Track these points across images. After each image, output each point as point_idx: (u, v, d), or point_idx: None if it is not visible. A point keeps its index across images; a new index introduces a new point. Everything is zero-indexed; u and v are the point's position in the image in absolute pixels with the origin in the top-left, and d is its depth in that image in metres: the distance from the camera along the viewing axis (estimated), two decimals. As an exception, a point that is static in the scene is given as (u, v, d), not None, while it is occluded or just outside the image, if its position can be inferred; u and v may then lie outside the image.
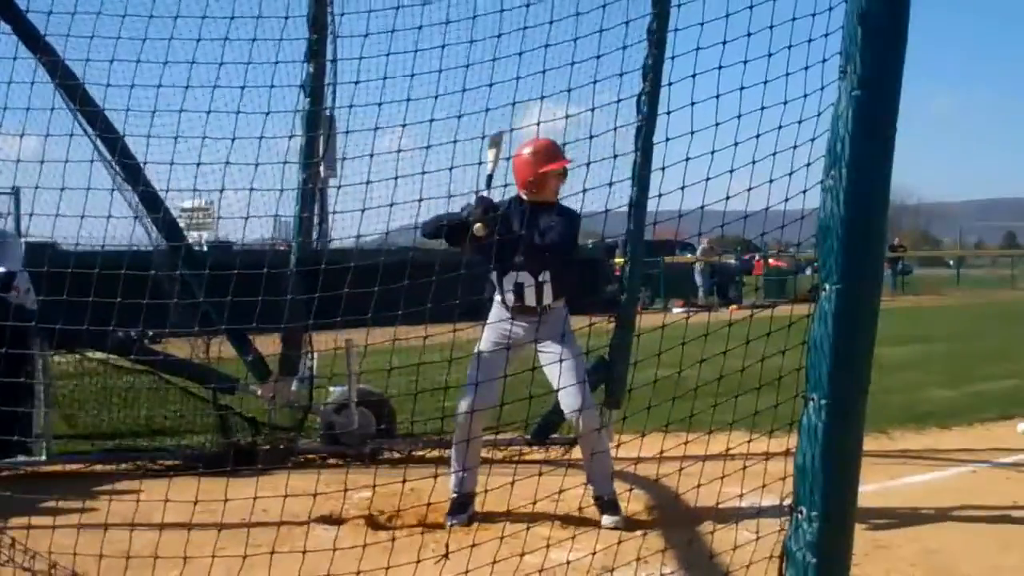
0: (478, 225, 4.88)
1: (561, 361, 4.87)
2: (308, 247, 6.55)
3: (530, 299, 5.08)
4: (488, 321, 5.15)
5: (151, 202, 5.97)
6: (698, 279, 23.52)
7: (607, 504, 5.04)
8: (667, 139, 3.74)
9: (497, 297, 5.18)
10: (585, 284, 6.35)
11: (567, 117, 4.99)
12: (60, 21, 5.01)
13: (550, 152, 5.11)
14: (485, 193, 5.07)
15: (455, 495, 5.11)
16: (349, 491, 4.36)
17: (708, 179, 3.46)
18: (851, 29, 2.70)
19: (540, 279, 5.06)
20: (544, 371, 5.02)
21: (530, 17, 4.46)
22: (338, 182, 6.02)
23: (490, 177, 5.06)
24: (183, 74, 4.69)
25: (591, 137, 4.64)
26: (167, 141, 4.68)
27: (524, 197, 5.17)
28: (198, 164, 4.59)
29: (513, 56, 4.37)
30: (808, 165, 3.14)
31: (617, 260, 5.71)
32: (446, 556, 3.88)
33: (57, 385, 6.50)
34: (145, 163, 5.42)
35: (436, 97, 4.36)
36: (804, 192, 3.19)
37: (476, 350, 5.03)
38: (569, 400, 5.01)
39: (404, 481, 4.26)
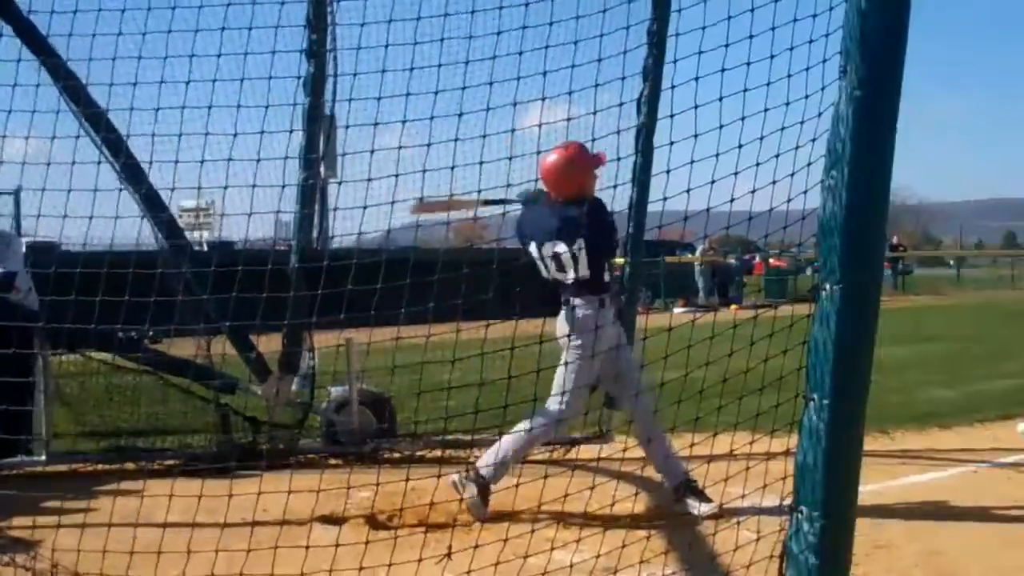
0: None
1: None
2: (308, 246, 6.55)
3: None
4: (581, 327, 5.05)
5: (152, 200, 5.98)
6: (699, 279, 23.52)
7: (690, 490, 5.08)
8: (671, 143, 3.74)
9: (586, 303, 5.11)
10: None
11: (568, 120, 5.01)
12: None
13: (587, 150, 5.12)
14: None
15: (488, 483, 5.08)
16: (350, 490, 4.37)
17: (713, 182, 3.47)
18: (851, 29, 2.70)
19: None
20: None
21: (529, 19, 4.49)
22: (339, 180, 6.02)
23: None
24: (183, 71, 4.71)
25: (592, 140, 4.68)
26: (167, 139, 4.71)
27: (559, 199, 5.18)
28: (182, 161, 4.62)
29: (513, 55, 4.38)
30: (809, 165, 3.15)
31: (618, 260, 5.73)
32: (448, 556, 3.88)
33: (63, 383, 6.51)
34: (150, 162, 5.43)
35: (436, 92, 4.38)
36: (805, 192, 3.20)
37: (570, 358, 5.02)
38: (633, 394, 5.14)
39: (407, 479, 4.27)
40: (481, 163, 4.42)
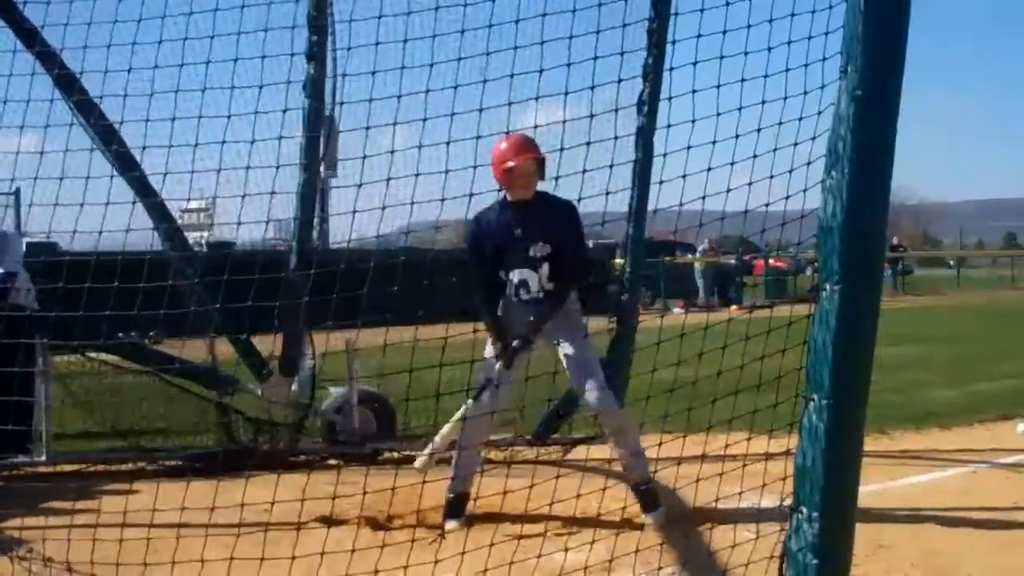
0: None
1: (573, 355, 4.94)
2: (308, 247, 6.55)
3: (535, 288, 5.03)
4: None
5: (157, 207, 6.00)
6: (698, 280, 23.54)
7: (646, 495, 4.99)
8: (668, 125, 3.75)
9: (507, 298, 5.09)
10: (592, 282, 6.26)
11: (564, 122, 5.00)
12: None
13: (515, 147, 4.95)
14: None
15: (451, 496, 5.06)
16: (347, 491, 4.37)
17: (709, 169, 3.47)
18: (852, 28, 2.70)
19: (540, 271, 5.04)
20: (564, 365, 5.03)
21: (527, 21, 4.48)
22: (338, 182, 6.03)
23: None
24: (183, 71, 4.72)
25: (588, 144, 4.68)
26: (167, 139, 4.72)
27: (508, 197, 5.08)
28: (193, 152, 4.62)
29: (509, 52, 4.39)
30: (808, 164, 3.15)
31: (617, 261, 5.71)
32: (441, 536, 3.87)
33: (69, 383, 6.51)
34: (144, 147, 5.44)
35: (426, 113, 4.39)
36: (804, 191, 3.20)
37: (486, 353, 4.98)
38: (584, 387, 4.99)
39: (397, 470, 4.26)
40: (475, 166, 4.45)
